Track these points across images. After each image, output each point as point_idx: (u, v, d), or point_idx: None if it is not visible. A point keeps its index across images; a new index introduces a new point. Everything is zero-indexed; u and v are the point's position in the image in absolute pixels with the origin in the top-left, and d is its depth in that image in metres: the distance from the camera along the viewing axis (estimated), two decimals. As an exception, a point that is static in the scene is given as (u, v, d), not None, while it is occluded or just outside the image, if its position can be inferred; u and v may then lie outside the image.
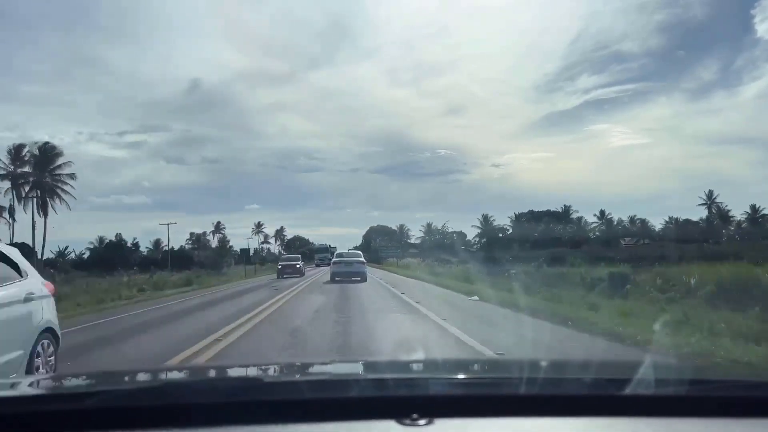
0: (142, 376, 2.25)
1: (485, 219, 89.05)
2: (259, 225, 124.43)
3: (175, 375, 2.52)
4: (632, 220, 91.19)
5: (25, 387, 1.94)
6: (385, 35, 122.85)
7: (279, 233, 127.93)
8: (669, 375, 1.75)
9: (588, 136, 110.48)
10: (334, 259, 28.96)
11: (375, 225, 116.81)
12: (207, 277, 35.70)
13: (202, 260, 52.64)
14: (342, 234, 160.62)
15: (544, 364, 2.10)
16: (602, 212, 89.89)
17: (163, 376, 2.36)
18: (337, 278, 25.84)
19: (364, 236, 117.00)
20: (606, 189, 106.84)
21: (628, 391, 1.44)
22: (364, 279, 25.54)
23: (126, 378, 2.19)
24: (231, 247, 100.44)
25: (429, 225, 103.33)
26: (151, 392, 1.58)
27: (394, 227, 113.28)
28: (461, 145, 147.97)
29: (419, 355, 3.80)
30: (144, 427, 1.33)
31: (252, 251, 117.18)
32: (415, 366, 2.36)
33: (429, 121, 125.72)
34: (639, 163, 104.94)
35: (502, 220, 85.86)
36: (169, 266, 60.08)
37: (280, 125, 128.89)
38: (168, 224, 68.63)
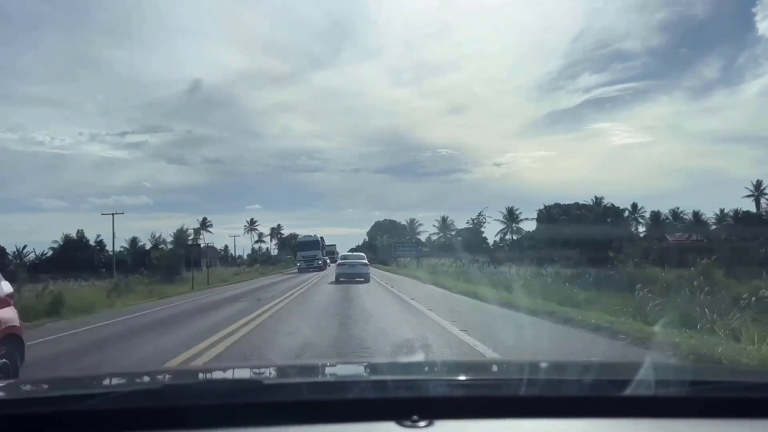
0: (141, 378, 2.25)
1: (510, 213, 76.37)
2: (252, 222, 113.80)
3: (175, 377, 2.46)
4: (675, 213, 77.29)
5: (24, 389, 1.94)
6: (386, 35, 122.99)
7: (275, 231, 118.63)
8: (669, 376, 1.78)
9: (589, 134, 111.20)
10: (339, 261, 30.19)
11: (381, 220, 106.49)
12: (113, 296, 22.64)
13: (155, 263, 40.58)
14: (344, 234, 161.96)
15: (544, 365, 2.11)
16: (635, 205, 76.24)
17: (163, 377, 2.31)
18: (341, 279, 26.66)
19: (369, 233, 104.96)
20: (607, 187, 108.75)
21: (628, 392, 1.45)
22: (367, 280, 26.59)
23: (126, 380, 2.19)
24: (199, 245, 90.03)
25: (444, 219, 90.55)
26: (151, 394, 1.57)
27: (403, 222, 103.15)
28: (463, 145, 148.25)
29: (420, 356, 3.61)
30: (144, 428, 1.34)
31: (248, 250, 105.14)
32: (415, 368, 2.36)
33: (430, 121, 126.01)
34: (640, 161, 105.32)
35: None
36: (114, 270, 48.38)
37: (282, 125, 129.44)
38: (113, 214, 57.12)
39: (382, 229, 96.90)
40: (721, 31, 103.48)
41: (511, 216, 74.17)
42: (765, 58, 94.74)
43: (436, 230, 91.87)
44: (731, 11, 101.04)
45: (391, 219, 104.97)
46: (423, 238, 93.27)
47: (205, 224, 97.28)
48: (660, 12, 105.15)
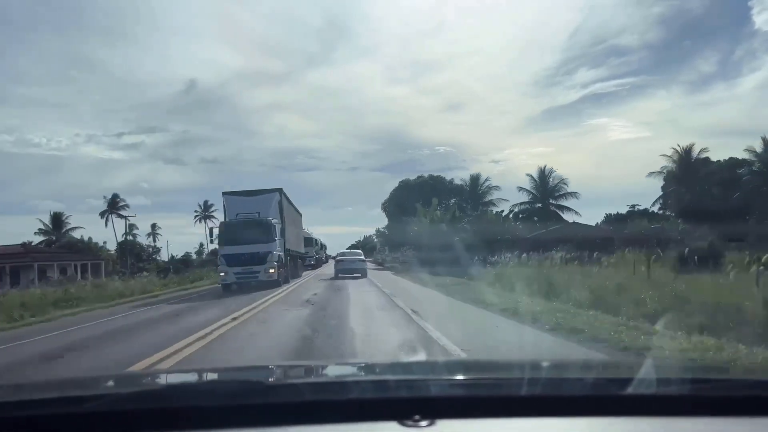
0: (142, 380, 2.28)
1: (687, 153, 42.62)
2: (206, 206, 78.89)
3: (176, 378, 2.46)
4: None
5: (26, 390, 1.94)
6: (382, 32, 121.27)
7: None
8: (670, 374, 1.79)
9: (587, 130, 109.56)
10: (338, 258, 31.98)
11: (412, 178, 67.38)
12: None
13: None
14: (343, 233, 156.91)
15: (545, 364, 2.12)
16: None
17: (163, 379, 2.34)
18: (340, 274, 28.44)
19: (387, 206, 67.26)
20: (606, 183, 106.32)
21: (629, 390, 1.46)
22: (364, 275, 28.17)
23: (127, 381, 2.23)
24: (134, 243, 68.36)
25: (544, 172, 54.30)
26: (152, 395, 1.59)
27: (458, 181, 64.22)
28: (460, 142, 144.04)
29: (421, 356, 3.66)
30: (145, 430, 1.36)
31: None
32: (416, 367, 2.38)
33: (428, 118, 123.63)
34: (639, 156, 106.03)
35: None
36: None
37: (278, 124, 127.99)
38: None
39: (411, 191, 57.56)
40: (718, 24, 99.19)
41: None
42: (762, 52, 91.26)
43: (529, 194, 55.01)
44: (727, 4, 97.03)
45: (437, 174, 65.40)
46: (500, 210, 56.70)
47: (115, 204, 66.17)
48: (656, 6, 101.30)
